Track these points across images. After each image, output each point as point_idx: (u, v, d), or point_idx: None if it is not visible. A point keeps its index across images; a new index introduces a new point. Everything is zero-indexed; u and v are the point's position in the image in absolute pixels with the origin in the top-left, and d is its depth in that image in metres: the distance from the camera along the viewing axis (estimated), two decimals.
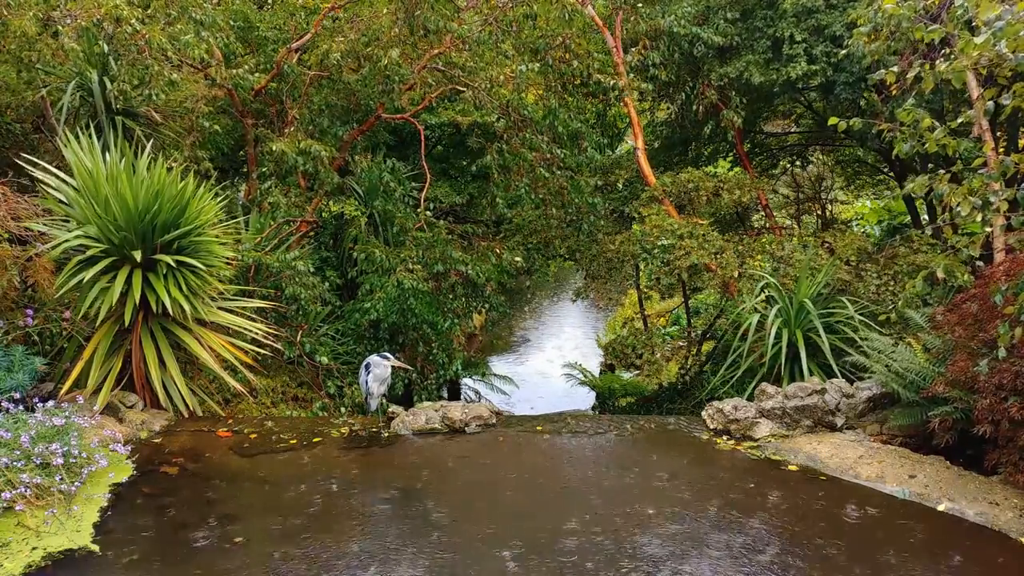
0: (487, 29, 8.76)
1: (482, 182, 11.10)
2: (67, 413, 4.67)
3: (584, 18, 9.21)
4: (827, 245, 8.08)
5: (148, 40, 6.72)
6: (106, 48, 6.79)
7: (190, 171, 6.38)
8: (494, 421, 5.81)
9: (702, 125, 11.48)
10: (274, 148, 7.71)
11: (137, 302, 5.48)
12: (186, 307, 5.57)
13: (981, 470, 4.53)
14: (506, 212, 10.69)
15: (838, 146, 13.09)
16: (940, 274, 4.72)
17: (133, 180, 5.67)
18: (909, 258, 7.32)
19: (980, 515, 4.11)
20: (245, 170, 9.13)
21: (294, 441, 5.47)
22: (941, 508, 4.23)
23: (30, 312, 5.70)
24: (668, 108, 12.27)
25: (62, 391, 5.45)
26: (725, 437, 5.43)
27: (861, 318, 6.34)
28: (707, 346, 10.37)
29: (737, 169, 11.36)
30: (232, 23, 8.54)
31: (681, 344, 12.86)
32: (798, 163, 14.29)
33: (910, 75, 4.45)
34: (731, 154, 12.77)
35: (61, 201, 5.75)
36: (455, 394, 11.85)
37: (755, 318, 6.74)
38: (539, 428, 5.78)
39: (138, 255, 5.49)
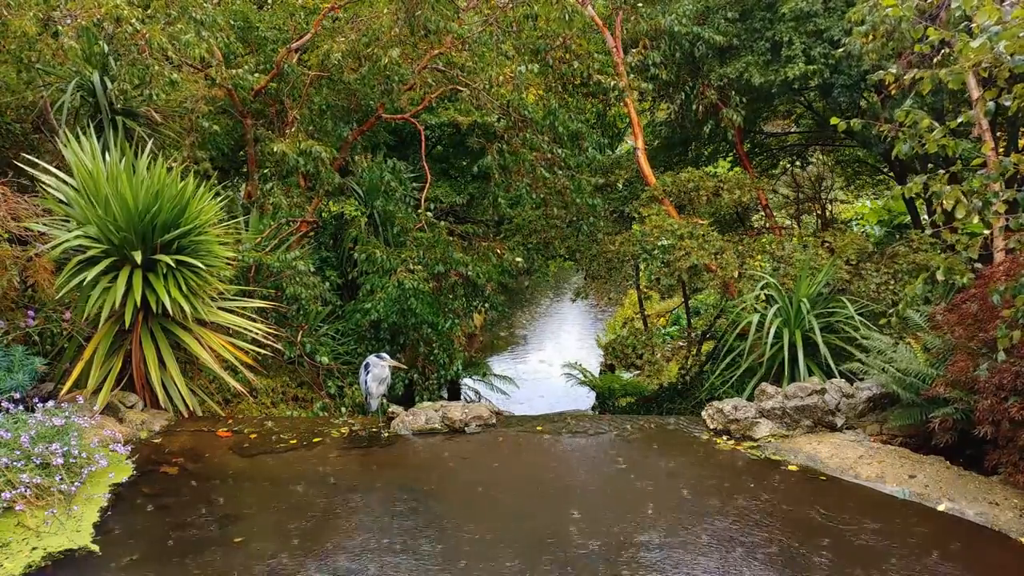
0: (487, 29, 8.76)
1: (482, 182, 11.11)
2: (67, 413, 4.67)
3: (584, 18, 9.21)
4: (827, 245, 8.08)
5: (148, 40, 6.72)
6: (106, 48, 6.79)
7: (190, 171, 6.38)
8: (494, 421, 5.81)
9: (702, 125, 11.48)
10: (275, 149, 7.71)
11: (138, 303, 5.48)
12: (186, 307, 5.57)
13: (981, 470, 4.53)
14: (507, 212, 10.69)
15: (838, 146, 13.09)
16: (940, 276, 4.72)
17: (133, 180, 5.68)
18: (909, 257, 7.32)
19: (980, 515, 4.11)
20: (245, 170, 9.13)
21: (294, 441, 5.47)
22: (941, 508, 4.23)
23: (31, 313, 5.71)
24: (668, 108, 12.27)
25: (62, 391, 5.45)
26: (725, 437, 5.43)
27: (861, 318, 6.34)
28: (707, 346, 10.37)
29: (737, 169, 11.36)
30: (232, 23, 8.54)
31: (681, 344, 12.87)
32: (798, 163, 14.29)
33: (907, 78, 4.45)
34: (731, 154, 12.77)
35: (61, 201, 5.75)
36: (455, 394, 11.84)
37: (755, 318, 6.74)
38: (539, 428, 5.78)
39: (138, 255, 5.49)
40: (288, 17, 9.04)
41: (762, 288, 7.09)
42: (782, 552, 3.79)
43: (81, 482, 4.34)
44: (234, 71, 7.65)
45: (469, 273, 8.55)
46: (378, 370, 5.76)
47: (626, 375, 13.75)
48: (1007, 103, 4.07)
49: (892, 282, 7.07)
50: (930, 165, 9.26)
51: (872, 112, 8.80)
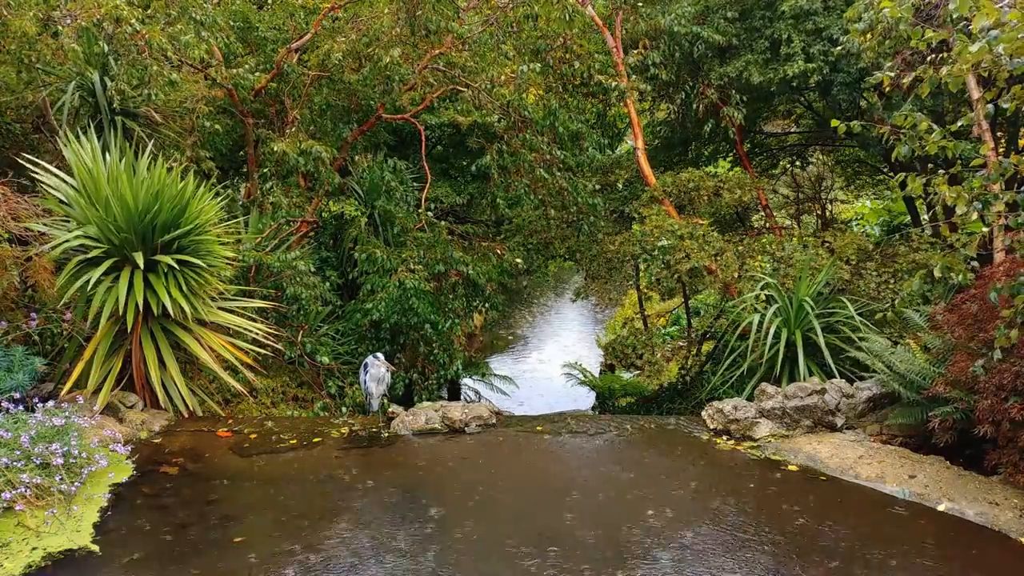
0: (488, 30, 8.76)
1: (482, 182, 11.10)
2: (67, 413, 4.67)
3: (584, 18, 9.21)
4: (827, 245, 8.08)
5: (148, 40, 6.72)
6: (106, 48, 6.79)
7: (190, 171, 6.38)
8: (494, 421, 5.81)
9: (702, 125, 11.48)
10: (275, 149, 7.71)
11: (140, 304, 5.47)
12: (186, 308, 5.57)
13: (981, 470, 4.53)
14: (506, 212, 10.69)
15: (838, 146, 13.08)
16: (937, 273, 4.72)
17: (133, 180, 5.68)
18: (909, 256, 7.32)
19: (980, 515, 4.11)
20: (245, 170, 9.13)
21: (294, 441, 5.47)
22: (941, 508, 4.23)
23: (33, 314, 5.71)
24: (668, 108, 12.26)
25: (62, 391, 5.45)
26: (725, 437, 5.43)
27: (861, 318, 6.34)
28: (707, 346, 10.37)
29: (737, 169, 11.35)
30: (232, 23, 8.54)
31: (681, 344, 12.87)
32: (798, 163, 14.29)
33: (905, 80, 4.46)
34: (731, 154, 12.77)
35: (61, 201, 5.75)
36: (455, 394, 11.83)
37: (755, 318, 6.74)
38: (539, 428, 5.78)
39: (138, 256, 5.49)
40: (288, 17, 9.04)
41: (762, 288, 7.09)
42: (782, 552, 3.79)
43: (81, 482, 4.34)
44: (234, 71, 7.65)
45: (469, 273, 8.55)
46: (375, 370, 5.77)
47: (626, 375, 13.75)
48: (1005, 104, 4.07)
49: (892, 281, 7.07)
50: (930, 165, 9.27)
51: (872, 112, 8.81)
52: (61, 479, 4.22)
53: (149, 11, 7.36)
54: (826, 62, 8.92)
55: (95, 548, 3.83)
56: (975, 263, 4.85)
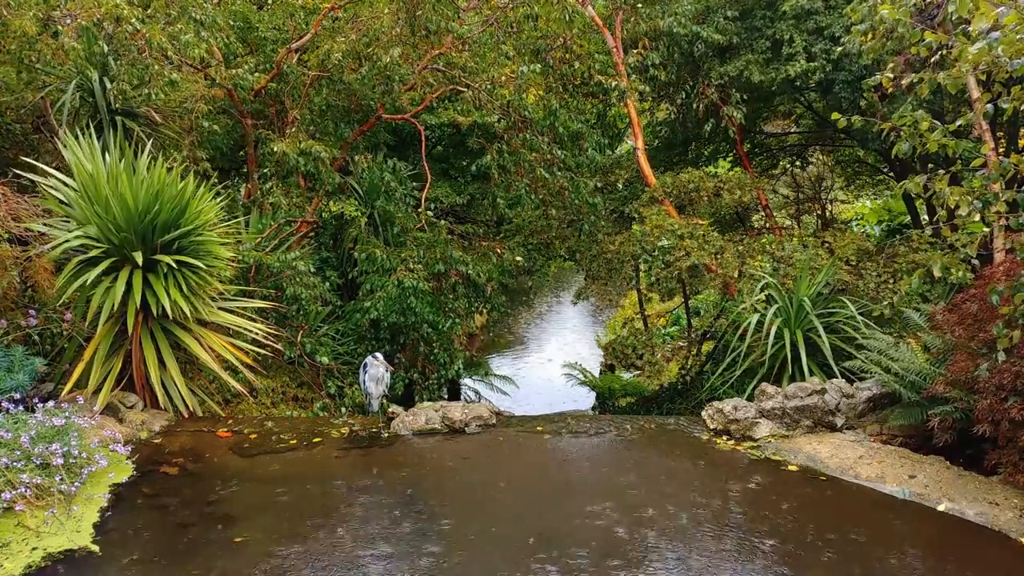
0: (488, 30, 8.76)
1: (482, 182, 11.10)
2: (67, 413, 4.67)
3: (584, 18, 9.21)
4: (827, 245, 8.08)
5: (148, 40, 6.72)
6: (106, 48, 6.79)
7: (190, 171, 6.38)
8: (494, 421, 5.81)
9: (702, 125, 11.48)
10: (275, 149, 7.71)
11: (138, 304, 5.48)
12: (186, 308, 5.56)
13: (981, 470, 4.53)
14: (506, 212, 10.69)
15: (838, 146, 13.09)
16: (937, 272, 4.72)
17: (133, 180, 5.68)
18: (909, 256, 7.33)
19: (980, 515, 4.11)
20: (245, 170, 9.13)
21: (294, 441, 5.47)
22: (941, 508, 4.23)
23: (33, 313, 5.71)
24: (668, 108, 12.26)
25: (63, 391, 5.45)
26: (725, 437, 5.43)
27: (862, 318, 6.34)
28: (707, 346, 10.37)
29: (737, 169, 11.35)
30: (232, 23, 8.54)
31: (681, 344, 12.87)
32: (798, 163, 14.29)
33: (905, 82, 4.46)
34: (731, 154, 12.77)
35: (61, 201, 5.75)
36: (455, 394, 11.84)
37: (755, 318, 6.74)
38: (539, 428, 5.78)
39: (138, 256, 5.49)
40: (288, 17, 9.04)
41: (762, 288, 7.09)
42: (782, 551, 3.79)
43: (81, 482, 4.34)
44: (234, 71, 7.65)
45: (469, 273, 8.55)
46: (374, 370, 5.78)
47: (626, 375, 13.75)
48: (1005, 105, 4.07)
49: (892, 281, 7.07)
50: (930, 165, 9.27)
51: (872, 110, 8.80)
52: (61, 479, 4.22)
53: (149, 11, 7.36)
54: (828, 61, 8.93)
55: (95, 548, 3.83)
56: (976, 262, 4.85)
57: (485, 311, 10.94)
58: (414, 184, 9.55)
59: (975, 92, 5.34)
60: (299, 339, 7.54)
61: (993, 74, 4.10)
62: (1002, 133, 8.63)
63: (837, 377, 5.99)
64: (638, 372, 13.51)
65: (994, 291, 4.18)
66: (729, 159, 13.19)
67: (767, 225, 11.80)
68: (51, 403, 4.89)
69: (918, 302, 6.15)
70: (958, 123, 4.44)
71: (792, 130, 13.74)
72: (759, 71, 9.29)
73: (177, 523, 4.15)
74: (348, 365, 8.03)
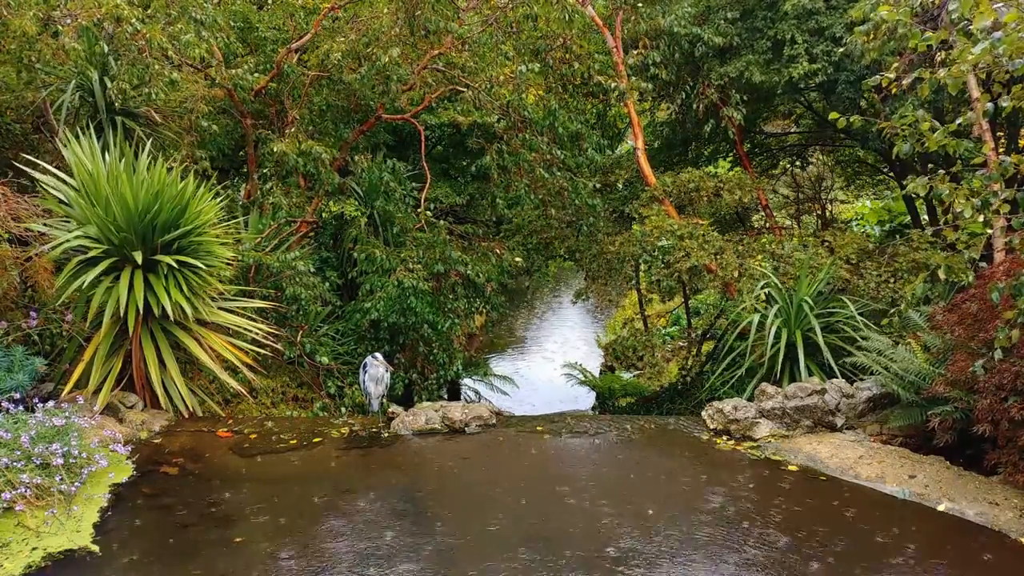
0: (487, 30, 8.75)
1: (482, 182, 11.10)
2: (67, 413, 4.67)
3: (584, 18, 9.21)
4: (827, 244, 8.08)
5: (148, 40, 6.72)
6: (106, 48, 6.79)
7: (190, 171, 6.38)
8: (494, 421, 5.81)
9: (702, 125, 11.47)
10: (275, 149, 7.71)
11: (140, 305, 5.47)
12: (186, 308, 5.57)
13: (981, 470, 4.53)
14: (506, 212, 10.69)
15: (838, 146, 13.08)
16: (942, 275, 4.72)
17: (133, 180, 5.68)
18: (909, 256, 7.33)
19: (980, 515, 4.11)
20: (245, 170, 9.13)
21: (294, 441, 5.47)
22: (941, 508, 4.23)
23: (33, 313, 5.71)
24: (668, 108, 12.25)
25: (63, 392, 5.45)
26: (725, 437, 5.43)
27: (862, 318, 6.33)
28: (707, 346, 10.37)
29: (737, 169, 11.35)
30: (232, 23, 8.54)
31: (681, 344, 12.86)
32: (798, 163, 14.28)
33: (905, 82, 4.46)
34: (731, 154, 12.76)
35: (61, 201, 5.75)
36: (455, 394, 11.84)
37: (755, 318, 6.74)
38: (539, 428, 5.78)
39: (138, 256, 5.49)
40: (288, 17, 9.04)
41: (762, 288, 7.09)
42: (783, 551, 3.79)
43: (81, 482, 4.34)
44: (234, 71, 7.65)
45: (469, 273, 8.55)
46: (373, 370, 5.78)
47: (626, 375, 13.75)
48: (1005, 103, 4.07)
49: (892, 281, 7.07)
50: (930, 165, 9.26)
51: (873, 110, 8.80)
52: (61, 479, 4.22)
53: (149, 11, 7.36)
54: (829, 62, 8.92)
55: (95, 548, 3.83)
56: (982, 265, 4.85)
57: (485, 311, 10.93)
58: (414, 184, 9.55)
59: (975, 91, 5.34)
60: (299, 339, 7.54)
61: (993, 74, 4.10)
62: (1002, 133, 8.63)
63: (837, 377, 5.99)
64: (638, 372, 13.51)
65: (995, 289, 4.18)
66: (729, 159, 13.18)
67: (767, 225, 11.80)
68: (51, 403, 4.89)
69: (919, 302, 6.15)
70: (958, 122, 4.44)
71: (792, 130, 13.73)
72: (760, 72, 9.28)
73: (177, 523, 4.15)
74: (348, 365, 8.03)
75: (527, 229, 10.49)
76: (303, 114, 8.55)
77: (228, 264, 6.40)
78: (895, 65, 4.77)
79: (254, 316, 6.61)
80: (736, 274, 7.76)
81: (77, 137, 5.91)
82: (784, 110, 12.28)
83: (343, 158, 8.90)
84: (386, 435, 5.62)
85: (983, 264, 4.91)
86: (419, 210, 8.67)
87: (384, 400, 6.03)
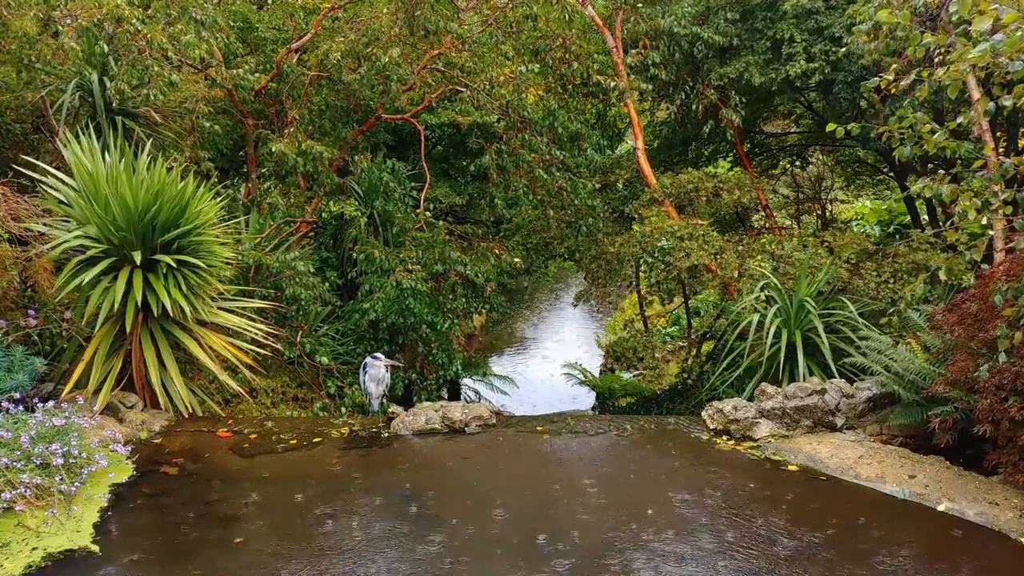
0: (487, 30, 8.75)
1: (482, 183, 11.10)
2: (67, 413, 4.67)
3: (584, 19, 9.22)
4: (827, 244, 8.08)
5: (148, 40, 6.72)
6: (106, 48, 6.79)
7: (190, 171, 6.38)
8: (494, 421, 5.81)
9: (702, 125, 11.48)
10: (274, 149, 7.71)
11: (138, 303, 5.48)
12: (186, 308, 5.56)
13: (981, 470, 4.53)
14: (505, 212, 10.69)
15: (838, 146, 13.08)
16: (943, 276, 4.72)
17: (133, 180, 5.67)
18: (909, 256, 7.33)
19: (980, 515, 4.11)
20: (245, 170, 9.13)
21: (294, 441, 5.47)
22: (941, 508, 4.23)
23: (32, 313, 5.70)
24: (668, 108, 12.25)
25: (63, 392, 5.45)
26: (725, 437, 5.43)
27: (862, 318, 6.33)
28: (707, 346, 10.37)
29: (737, 169, 11.35)
30: (232, 23, 8.54)
31: (681, 344, 12.86)
32: (798, 163, 14.29)
33: (904, 83, 4.46)
34: (731, 154, 12.77)
35: (61, 201, 5.74)
36: (455, 394, 11.84)
37: (755, 318, 6.74)
38: (539, 428, 5.78)
39: (138, 256, 5.49)
40: (288, 17, 9.04)
41: (762, 288, 7.10)
42: (783, 551, 3.79)
43: (81, 482, 4.34)
44: (234, 71, 7.65)
45: (468, 273, 8.55)
46: (374, 371, 5.77)
47: (626, 375, 13.75)
48: (1006, 102, 4.07)
49: (892, 281, 7.08)
50: (930, 165, 9.26)
51: (873, 110, 8.80)
52: (61, 479, 4.21)
53: (149, 11, 7.36)
54: (827, 61, 8.93)
55: (95, 548, 3.83)
56: (985, 266, 4.84)
57: (484, 311, 10.94)
58: (413, 184, 9.55)
59: (975, 92, 5.34)
60: (299, 339, 7.54)
61: (993, 76, 4.09)
62: (1002, 133, 8.63)
63: (837, 377, 5.99)
64: (638, 372, 13.51)
65: (997, 291, 4.17)
66: (729, 159, 13.19)
67: (767, 225, 11.81)
68: (51, 403, 4.88)
69: (919, 304, 6.15)
70: (958, 121, 4.43)
71: (792, 130, 13.74)
72: (759, 73, 9.29)
73: (177, 523, 4.15)
74: (348, 365, 8.03)
75: (526, 229, 10.49)
76: (303, 114, 8.56)
77: (228, 264, 6.40)
78: (893, 66, 4.76)
79: (254, 316, 6.61)
80: (736, 274, 7.76)
81: (77, 137, 5.91)
82: (784, 110, 12.29)
83: (343, 158, 8.91)
84: (386, 435, 5.62)
85: (986, 266, 4.90)
86: (419, 210, 8.67)
87: (384, 400, 6.03)
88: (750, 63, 9.39)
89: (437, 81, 8.84)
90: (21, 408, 4.86)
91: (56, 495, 4.16)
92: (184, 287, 5.66)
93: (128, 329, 5.65)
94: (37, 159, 5.99)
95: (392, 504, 4.44)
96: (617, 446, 5.47)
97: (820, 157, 14.66)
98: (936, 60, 4.41)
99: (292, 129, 8.15)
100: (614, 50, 9.38)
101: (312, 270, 7.67)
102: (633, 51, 9.48)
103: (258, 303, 6.83)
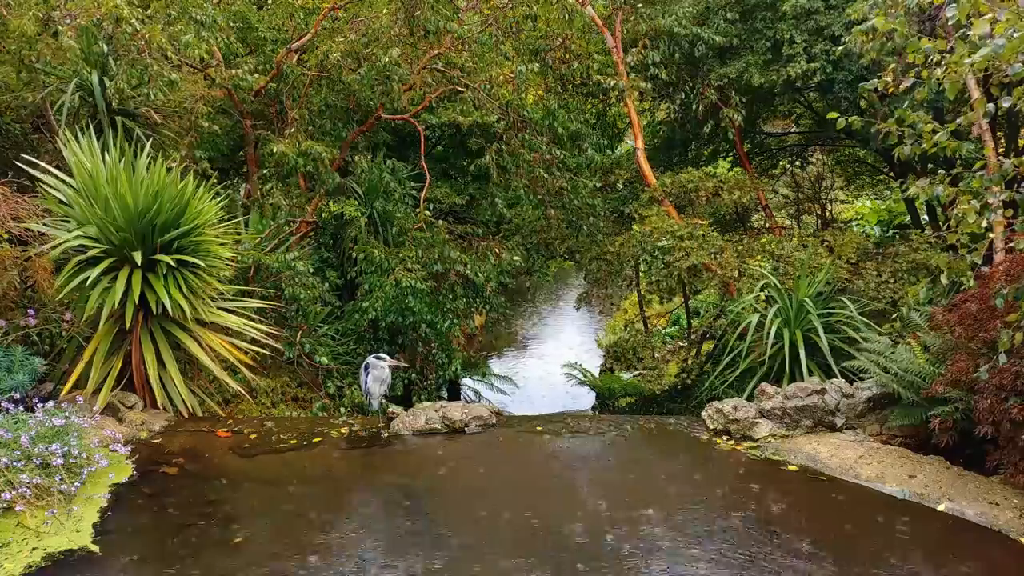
0: (487, 30, 8.76)
1: (482, 182, 11.11)
2: (67, 413, 4.66)
3: (584, 18, 9.22)
4: (827, 244, 8.09)
5: (148, 40, 6.72)
6: (106, 48, 6.79)
7: (190, 171, 6.38)
8: (494, 421, 5.81)
9: (702, 125, 11.47)
10: (275, 149, 7.71)
11: (137, 303, 5.48)
12: (186, 307, 5.56)
13: (981, 470, 4.53)
14: (506, 212, 10.69)
15: (838, 146, 13.08)
16: (944, 280, 4.72)
17: (133, 180, 5.68)
18: (909, 256, 7.33)
19: (980, 515, 4.10)
20: (245, 170, 9.13)
21: (294, 441, 5.47)
22: (941, 508, 4.23)
23: (32, 313, 5.70)
24: (668, 108, 12.26)
25: (62, 391, 5.45)
26: (725, 437, 5.43)
27: (862, 318, 6.34)
28: (707, 346, 10.37)
29: (737, 169, 11.36)
30: (232, 23, 8.54)
31: (681, 344, 12.86)
32: (798, 163, 14.29)
33: (903, 87, 4.45)
34: (731, 154, 12.77)
35: (61, 201, 5.74)
36: (455, 394, 11.83)
37: (755, 318, 6.74)
38: (539, 428, 5.78)
39: (138, 255, 5.49)
40: (288, 18, 9.04)
41: (762, 288, 7.10)
42: (783, 551, 3.78)
43: (81, 482, 4.34)
44: (233, 71, 7.66)
45: (468, 272, 8.55)
46: (378, 371, 5.76)
47: (626, 375, 13.74)
48: (1007, 103, 4.07)
49: (892, 281, 7.08)
50: (930, 165, 9.26)
51: (872, 110, 8.81)
52: (61, 479, 4.21)
53: (149, 11, 7.36)
54: (828, 61, 8.93)
55: (95, 548, 3.82)
56: (984, 269, 4.84)
57: (484, 311, 10.93)
58: (414, 184, 9.55)
59: (975, 92, 5.34)
60: (298, 339, 7.54)
61: (992, 78, 4.09)
62: (1001, 133, 8.64)
63: (837, 377, 5.99)
64: (638, 372, 13.51)
65: (999, 295, 4.17)
66: (729, 159, 13.19)
67: (767, 225, 11.81)
68: (51, 403, 4.89)
69: (921, 305, 6.15)
70: (958, 121, 4.43)
71: (792, 130, 13.74)
72: (759, 73, 9.29)
73: (177, 523, 4.15)
74: (347, 365, 8.03)
75: (527, 229, 10.49)
76: (303, 114, 8.56)
77: (228, 264, 6.41)
78: (892, 66, 4.75)
79: (254, 316, 6.61)
80: (736, 274, 7.77)
81: (77, 137, 5.91)
82: (784, 110, 12.28)
83: (343, 158, 8.91)
84: (386, 435, 5.62)
85: (986, 269, 4.90)
86: (418, 210, 8.67)
87: (384, 400, 6.03)
88: (750, 63, 9.39)
89: (437, 81, 8.85)
90: (21, 408, 4.86)
91: (56, 495, 4.16)
92: (184, 287, 5.66)
93: (128, 329, 5.66)
94: (37, 159, 5.99)
95: (392, 504, 4.44)
96: (617, 446, 5.47)
97: (820, 157, 14.66)
98: (933, 60, 4.41)
99: (292, 129, 8.15)
100: (614, 50, 9.38)
101: (312, 270, 7.67)
102: (633, 51, 9.48)
103: (258, 303, 6.83)
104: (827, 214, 16.02)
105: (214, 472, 4.88)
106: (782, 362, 6.42)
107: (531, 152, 9.02)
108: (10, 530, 3.87)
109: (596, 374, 14.26)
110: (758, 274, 7.35)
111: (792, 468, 4.86)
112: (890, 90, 4.74)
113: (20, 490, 4.02)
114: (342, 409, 7.50)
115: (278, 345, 6.99)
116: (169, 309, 5.54)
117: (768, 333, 6.52)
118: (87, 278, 5.31)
